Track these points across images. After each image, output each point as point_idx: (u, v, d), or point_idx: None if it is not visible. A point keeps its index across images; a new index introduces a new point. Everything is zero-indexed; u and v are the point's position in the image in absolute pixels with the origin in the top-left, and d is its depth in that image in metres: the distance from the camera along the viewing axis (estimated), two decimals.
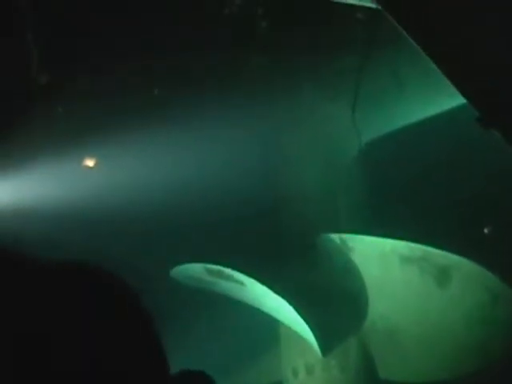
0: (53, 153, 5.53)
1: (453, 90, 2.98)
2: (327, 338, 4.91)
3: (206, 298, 5.19)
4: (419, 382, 4.93)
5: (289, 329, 5.05)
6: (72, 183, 5.65)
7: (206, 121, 5.32)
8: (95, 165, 5.77)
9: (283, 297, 4.67)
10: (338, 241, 5.15)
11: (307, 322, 4.72)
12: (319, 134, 5.48)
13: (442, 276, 4.83)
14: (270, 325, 5.20)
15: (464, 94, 2.94)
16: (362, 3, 3.35)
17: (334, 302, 5.12)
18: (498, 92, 2.84)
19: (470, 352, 4.89)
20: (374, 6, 2.91)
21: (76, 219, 5.41)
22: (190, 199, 5.22)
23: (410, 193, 5.30)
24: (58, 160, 5.59)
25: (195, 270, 4.96)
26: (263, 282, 4.68)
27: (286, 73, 5.56)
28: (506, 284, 4.72)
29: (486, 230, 5.18)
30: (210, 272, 4.86)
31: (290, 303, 4.68)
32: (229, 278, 4.80)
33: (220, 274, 4.83)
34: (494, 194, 5.09)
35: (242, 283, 4.77)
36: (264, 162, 5.38)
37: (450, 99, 4.59)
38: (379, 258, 5.05)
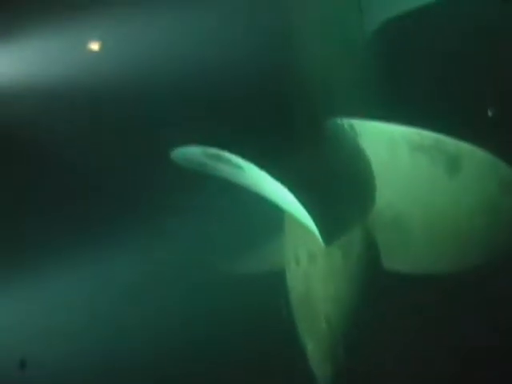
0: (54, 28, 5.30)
1: None
2: (330, 227, 4.74)
3: (206, 181, 5.04)
4: (421, 273, 4.78)
5: (291, 216, 4.89)
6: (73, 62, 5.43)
7: None
8: (99, 47, 5.55)
9: (283, 183, 4.47)
10: (345, 126, 4.88)
11: (309, 211, 4.54)
12: (328, 17, 5.15)
13: (452, 165, 4.58)
14: (273, 212, 5.04)
15: None
16: None
17: (339, 190, 4.92)
18: None
19: (474, 244, 4.71)
20: None
21: (75, 99, 5.25)
22: (192, 79, 5.01)
23: (421, 78, 5.01)
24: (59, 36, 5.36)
25: (194, 152, 4.76)
26: (263, 167, 4.47)
27: None
28: None
29: (489, 113, 4.88)
30: (209, 155, 4.66)
31: (291, 190, 4.48)
32: (227, 161, 4.60)
33: (218, 158, 4.62)
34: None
35: (240, 168, 4.56)
36: (270, 42, 5.08)
37: None
38: (388, 145, 4.79)
